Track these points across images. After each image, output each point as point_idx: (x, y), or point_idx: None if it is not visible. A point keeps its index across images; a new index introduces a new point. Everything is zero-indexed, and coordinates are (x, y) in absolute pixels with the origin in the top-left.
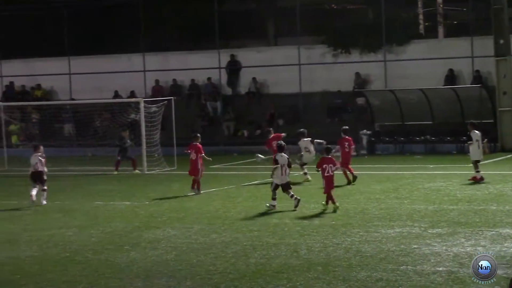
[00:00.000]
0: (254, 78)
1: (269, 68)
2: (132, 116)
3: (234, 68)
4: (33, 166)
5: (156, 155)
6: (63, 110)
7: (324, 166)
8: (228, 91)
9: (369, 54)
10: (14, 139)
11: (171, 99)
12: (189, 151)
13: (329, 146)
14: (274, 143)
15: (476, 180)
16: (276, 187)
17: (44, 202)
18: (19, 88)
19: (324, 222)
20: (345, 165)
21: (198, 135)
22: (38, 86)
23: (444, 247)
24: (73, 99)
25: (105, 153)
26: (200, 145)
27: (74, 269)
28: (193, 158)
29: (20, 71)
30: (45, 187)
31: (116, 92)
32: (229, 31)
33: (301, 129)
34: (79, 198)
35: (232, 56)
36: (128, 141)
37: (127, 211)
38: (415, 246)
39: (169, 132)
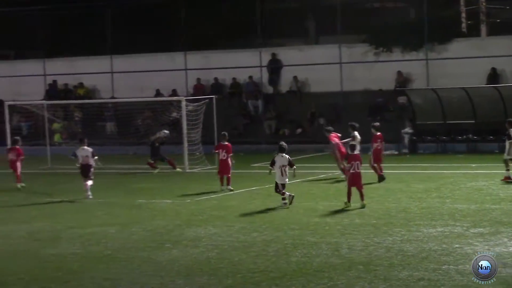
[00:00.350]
0: (295, 77)
1: (310, 66)
2: (174, 114)
3: (275, 67)
4: (82, 159)
5: (197, 153)
6: (105, 108)
7: (352, 163)
8: (269, 89)
9: (410, 53)
10: (56, 137)
11: (212, 97)
12: (217, 151)
13: (354, 143)
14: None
15: (510, 180)
16: (280, 186)
17: (90, 196)
18: (62, 87)
19: (365, 221)
20: (377, 162)
21: (226, 134)
22: (81, 85)
23: (486, 247)
24: (113, 97)
25: (147, 151)
26: (229, 145)
27: (116, 267)
28: (224, 158)
29: (63, 70)
30: (91, 180)
31: (157, 90)
32: (270, 29)
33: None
34: (121, 196)
35: (273, 54)
36: (156, 144)
37: (169, 209)
38: (457, 245)
39: (210, 131)
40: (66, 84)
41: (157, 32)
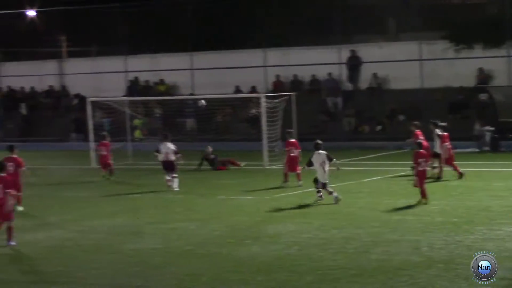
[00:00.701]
0: (374, 74)
1: (390, 63)
2: (253, 111)
3: (354, 64)
4: (164, 155)
5: (276, 150)
6: (185, 105)
7: (418, 160)
8: (348, 86)
9: (492, 50)
10: (137, 133)
11: (291, 94)
12: (287, 149)
13: (420, 141)
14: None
15: None
16: (320, 184)
17: (177, 188)
18: (143, 83)
19: (446, 219)
20: (449, 161)
21: (292, 131)
22: (162, 81)
23: None
24: (191, 94)
25: (226, 147)
26: (296, 141)
27: (197, 262)
28: (294, 154)
29: (144, 67)
30: (175, 174)
31: (237, 87)
32: (350, 26)
33: None
34: (202, 192)
35: (353, 51)
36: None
37: (249, 205)
38: None
39: (289, 127)
40: (147, 81)
41: (238, 29)
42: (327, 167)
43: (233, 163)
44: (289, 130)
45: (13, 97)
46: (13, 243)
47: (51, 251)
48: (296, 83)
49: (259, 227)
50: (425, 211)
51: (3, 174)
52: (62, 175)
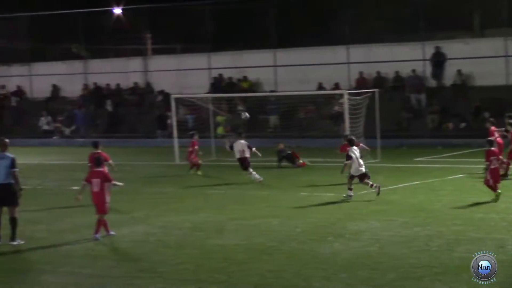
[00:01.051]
0: (459, 70)
1: (475, 60)
2: (336, 108)
3: (439, 60)
4: (240, 152)
5: None
6: (268, 101)
7: (490, 158)
8: (432, 83)
9: None
10: (219, 130)
11: (374, 91)
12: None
13: (491, 139)
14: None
15: None
16: (352, 177)
17: (260, 178)
18: (226, 80)
19: None
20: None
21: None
22: (245, 78)
23: None
24: (272, 91)
25: (309, 144)
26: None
27: (279, 259)
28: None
29: (228, 63)
30: (250, 170)
31: (320, 84)
32: (434, 23)
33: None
34: (285, 188)
35: (437, 48)
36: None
37: (331, 202)
38: None
39: (372, 124)
40: (231, 78)
41: (320, 26)
42: (361, 162)
43: (297, 157)
44: (347, 135)
45: (99, 94)
46: (98, 235)
47: (134, 246)
48: (379, 80)
49: (341, 224)
50: (509, 209)
51: (100, 169)
52: (146, 171)
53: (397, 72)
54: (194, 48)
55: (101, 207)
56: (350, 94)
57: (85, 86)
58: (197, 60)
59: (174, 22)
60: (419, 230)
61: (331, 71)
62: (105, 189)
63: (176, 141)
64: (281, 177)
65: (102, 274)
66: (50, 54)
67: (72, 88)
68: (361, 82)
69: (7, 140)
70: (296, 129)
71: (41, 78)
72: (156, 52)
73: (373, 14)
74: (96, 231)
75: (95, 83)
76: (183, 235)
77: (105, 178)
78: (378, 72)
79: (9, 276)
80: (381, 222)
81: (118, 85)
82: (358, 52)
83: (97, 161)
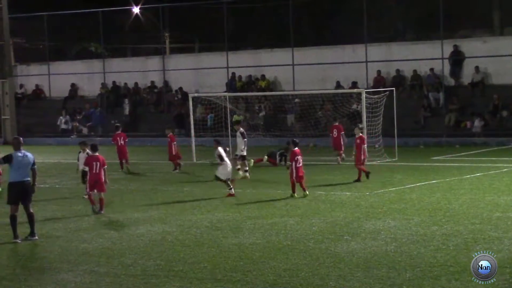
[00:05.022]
0: (476, 67)
1: (494, 58)
2: (354, 106)
3: (457, 59)
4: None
5: (376, 145)
6: (286, 100)
7: None
8: (451, 81)
9: None
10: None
11: (392, 89)
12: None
13: None
14: None
15: None
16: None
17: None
18: (244, 79)
19: None
20: None
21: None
22: (263, 77)
23: None
24: (283, 90)
25: (327, 143)
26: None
27: (296, 257)
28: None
29: (245, 62)
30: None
31: (338, 82)
32: (453, 21)
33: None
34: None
35: (456, 46)
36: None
37: (348, 201)
38: None
39: (389, 123)
40: (248, 76)
41: (339, 25)
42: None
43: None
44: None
45: (117, 93)
46: (103, 211)
47: (152, 245)
48: (397, 79)
49: (358, 223)
50: None
51: (97, 154)
52: (164, 170)
53: (415, 71)
54: (212, 47)
55: (100, 186)
56: (368, 92)
57: (103, 85)
58: (215, 59)
59: (192, 21)
60: (436, 229)
61: (349, 69)
62: (102, 172)
63: (193, 140)
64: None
65: (119, 273)
66: (69, 53)
67: (91, 87)
68: (379, 80)
69: (21, 139)
70: (314, 127)
71: (60, 77)
72: (174, 51)
73: (392, 13)
74: (101, 208)
75: (113, 82)
76: (200, 234)
77: (103, 163)
78: (397, 71)
79: (27, 275)
80: (398, 221)
81: (136, 84)
82: (377, 51)
83: (93, 147)
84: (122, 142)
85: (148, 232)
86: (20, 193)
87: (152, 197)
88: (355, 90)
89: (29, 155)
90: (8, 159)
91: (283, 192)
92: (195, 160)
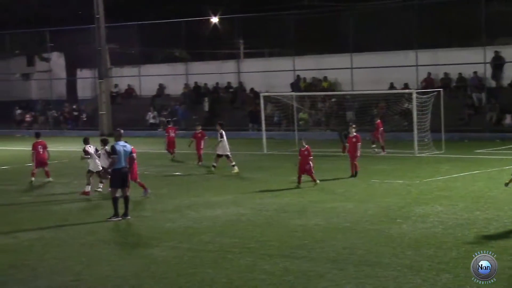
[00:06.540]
0: None
1: None
2: (405, 105)
3: (498, 63)
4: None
5: (425, 139)
6: (345, 99)
7: None
8: (492, 83)
9: None
10: (302, 124)
11: (440, 90)
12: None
13: None
14: None
15: None
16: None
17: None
18: (309, 80)
19: None
20: None
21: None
22: (325, 79)
23: None
24: (343, 90)
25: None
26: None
27: (353, 237)
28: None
29: (310, 66)
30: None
31: (391, 84)
32: (495, 30)
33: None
34: (359, 175)
35: (496, 52)
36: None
37: (400, 188)
38: None
39: (438, 120)
40: (312, 78)
41: (391, 33)
42: None
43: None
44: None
45: (198, 92)
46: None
47: (227, 224)
48: (444, 81)
49: (409, 208)
50: None
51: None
52: (239, 159)
53: (460, 74)
54: (280, 52)
55: (134, 175)
56: (418, 93)
57: (186, 85)
58: (283, 63)
59: (262, 30)
60: (479, 214)
61: (401, 72)
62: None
63: (264, 134)
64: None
65: (199, 249)
66: (156, 58)
67: (175, 87)
68: (428, 82)
69: (122, 131)
70: (369, 123)
71: (148, 78)
72: (247, 55)
73: (440, 22)
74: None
75: (195, 83)
76: (269, 216)
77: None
78: (445, 74)
79: (120, 249)
80: (445, 207)
81: (216, 84)
82: (426, 56)
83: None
84: (173, 134)
85: (224, 214)
86: (120, 178)
87: (227, 183)
88: (406, 91)
89: (128, 145)
90: (114, 151)
91: (344, 180)
92: (265, 151)
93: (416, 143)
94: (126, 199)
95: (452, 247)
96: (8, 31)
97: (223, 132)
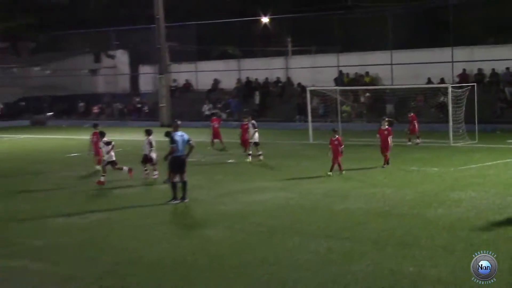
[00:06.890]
0: None
1: None
2: (441, 98)
3: None
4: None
5: (460, 130)
6: (385, 93)
7: None
8: None
9: None
10: (344, 116)
11: (474, 85)
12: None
13: None
14: None
15: None
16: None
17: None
18: (352, 75)
19: None
20: None
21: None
22: (367, 74)
23: None
24: (384, 84)
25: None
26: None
27: (392, 221)
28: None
29: (353, 62)
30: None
31: (429, 79)
32: None
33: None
34: (398, 164)
35: None
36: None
37: (436, 175)
38: None
39: (472, 112)
40: (355, 73)
41: (429, 31)
42: None
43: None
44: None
45: (249, 86)
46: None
47: (276, 208)
48: (478, 76)
49: (444, 194)
50: None
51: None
52: (287, 148)
53: (493, 69)
54: (325, 49)
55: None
56: (453, 87)
57: (238, 80)
58: (328, 59)
59: (309, 28)
60: (510, 200)
61: (438, 68)
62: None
63: (310, 125)
64: (394, 155)
65: (250, 230)
66: (212, 55)
67: (228, 82)
68: (463, 77)
69: (179, 122)
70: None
71: (204, 74)
72: (295, 52)
73: (475, 20)
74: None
75: (247, 78)
76: (315, 200)
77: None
78: (479, 69)
79: (178, 230)
80: (478, 192)
81: (266, 79)
82: (461, 53)
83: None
84: (217, 125)
85: (273, 198)
86: (178, 165)
87: (276, 170)
88: (442, 85)
89: (185, 135)
90: (172, 141)
91: (383, 168)
92: (311, 141)
93: (451, 133)
94: (184, 184)
95: (484, 230)
96: (78, 31)
97: (255, 123)
